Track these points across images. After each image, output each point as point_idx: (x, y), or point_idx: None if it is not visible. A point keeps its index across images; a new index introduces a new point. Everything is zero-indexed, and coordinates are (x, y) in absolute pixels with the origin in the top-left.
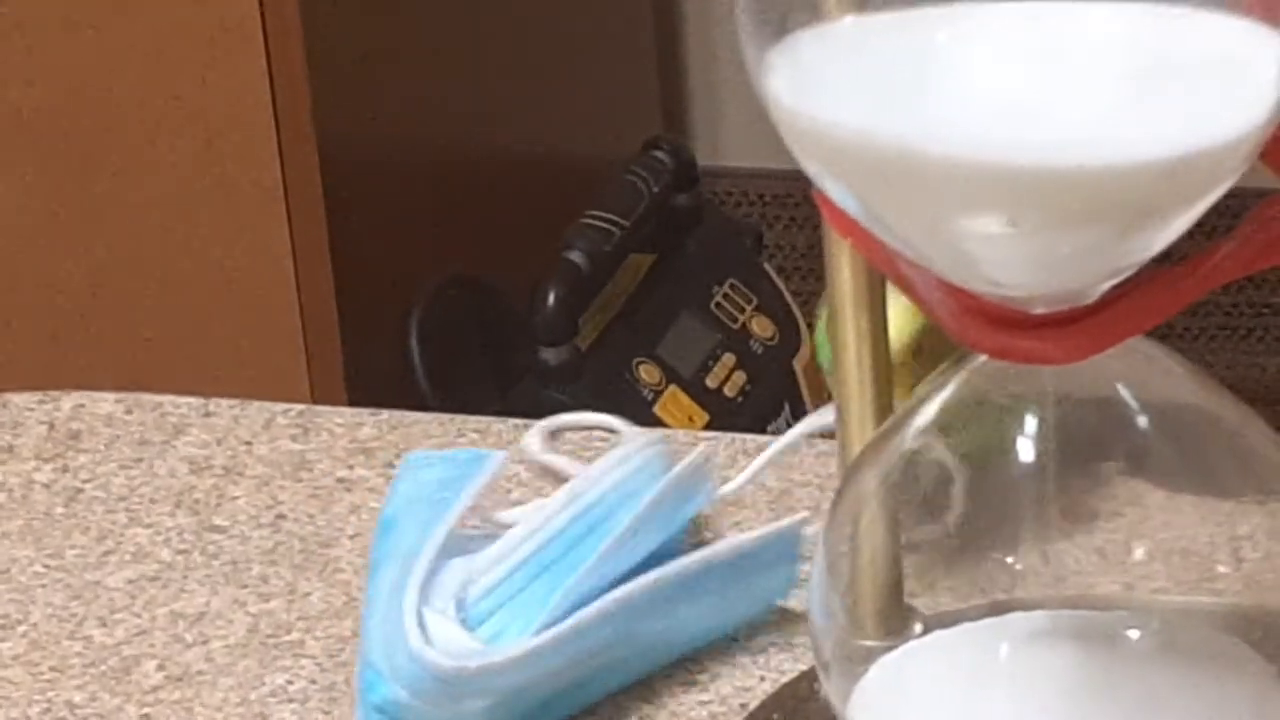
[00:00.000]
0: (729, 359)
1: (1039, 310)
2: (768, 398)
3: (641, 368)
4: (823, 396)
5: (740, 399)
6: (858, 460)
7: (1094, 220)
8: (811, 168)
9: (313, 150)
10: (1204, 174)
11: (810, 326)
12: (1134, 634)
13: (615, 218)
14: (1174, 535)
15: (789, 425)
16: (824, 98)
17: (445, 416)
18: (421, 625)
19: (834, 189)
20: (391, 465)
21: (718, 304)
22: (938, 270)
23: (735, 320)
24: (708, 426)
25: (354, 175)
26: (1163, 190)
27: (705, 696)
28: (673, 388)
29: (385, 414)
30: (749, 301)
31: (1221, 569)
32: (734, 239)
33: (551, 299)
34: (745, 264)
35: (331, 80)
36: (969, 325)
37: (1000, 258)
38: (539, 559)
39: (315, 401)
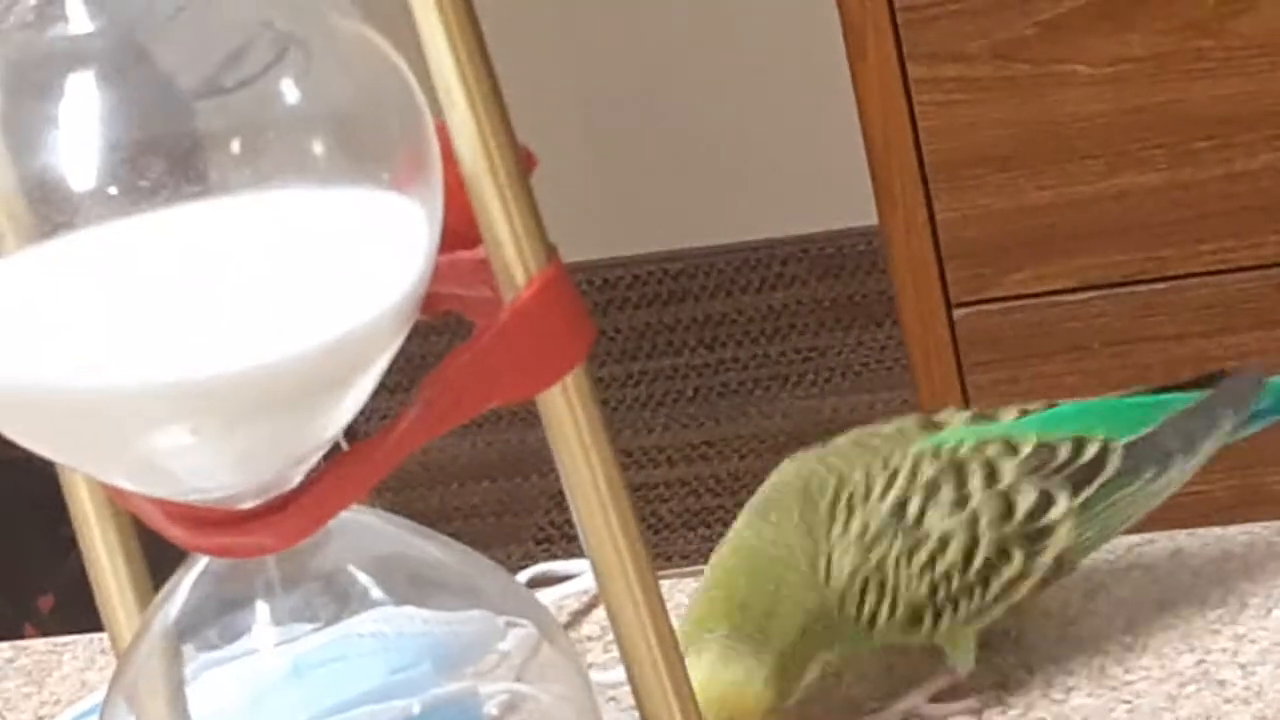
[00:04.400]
0: None
1: (247, 505)
2: None
3: None
4: None
5: None
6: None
7: (274, 413)
8: None
9: None
10: (365, 347)
11: None
12: None
13: None
14: None
15: None
16: None
17: None
18: None
19: (12, 435)
20: None
21: None
22: (135, 489)
23: None
24: None
25: None
26: (329, 371)
27: None
28: None
29: None
30: None
31: None
32: None
33: None
34: None
35: None
36: (180, 530)
37: (191, 465)
38: None
39: None
